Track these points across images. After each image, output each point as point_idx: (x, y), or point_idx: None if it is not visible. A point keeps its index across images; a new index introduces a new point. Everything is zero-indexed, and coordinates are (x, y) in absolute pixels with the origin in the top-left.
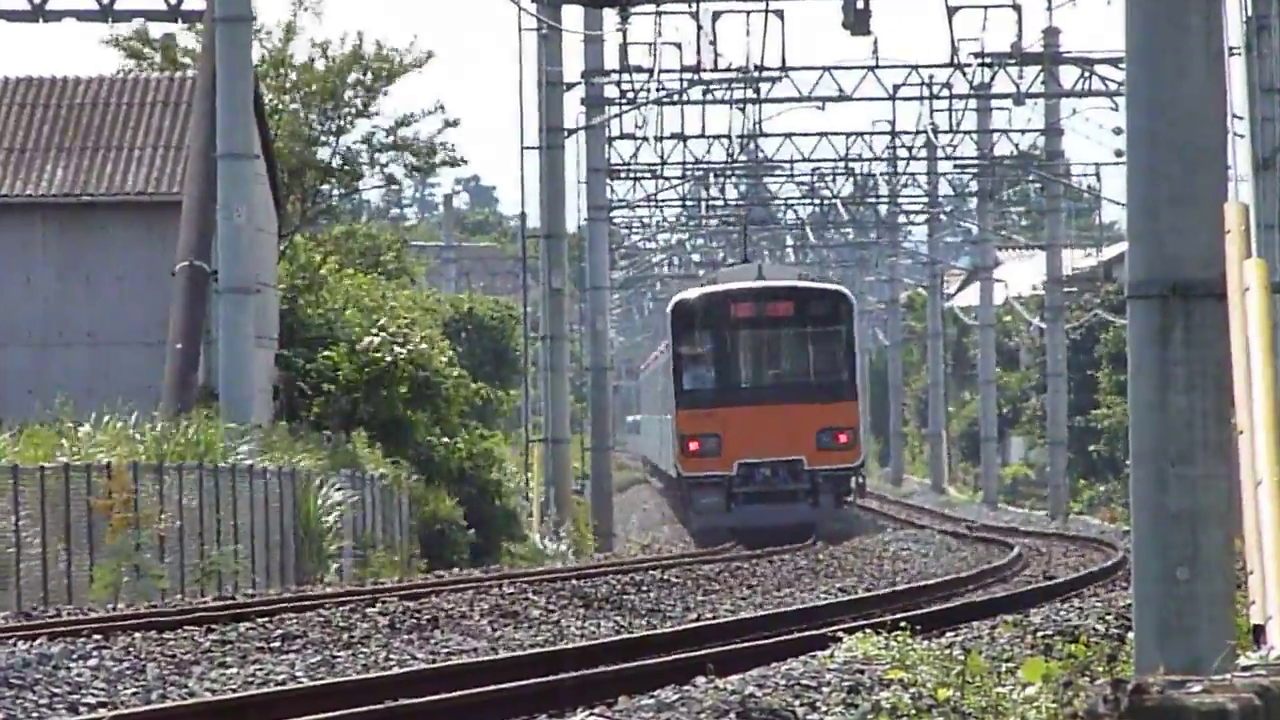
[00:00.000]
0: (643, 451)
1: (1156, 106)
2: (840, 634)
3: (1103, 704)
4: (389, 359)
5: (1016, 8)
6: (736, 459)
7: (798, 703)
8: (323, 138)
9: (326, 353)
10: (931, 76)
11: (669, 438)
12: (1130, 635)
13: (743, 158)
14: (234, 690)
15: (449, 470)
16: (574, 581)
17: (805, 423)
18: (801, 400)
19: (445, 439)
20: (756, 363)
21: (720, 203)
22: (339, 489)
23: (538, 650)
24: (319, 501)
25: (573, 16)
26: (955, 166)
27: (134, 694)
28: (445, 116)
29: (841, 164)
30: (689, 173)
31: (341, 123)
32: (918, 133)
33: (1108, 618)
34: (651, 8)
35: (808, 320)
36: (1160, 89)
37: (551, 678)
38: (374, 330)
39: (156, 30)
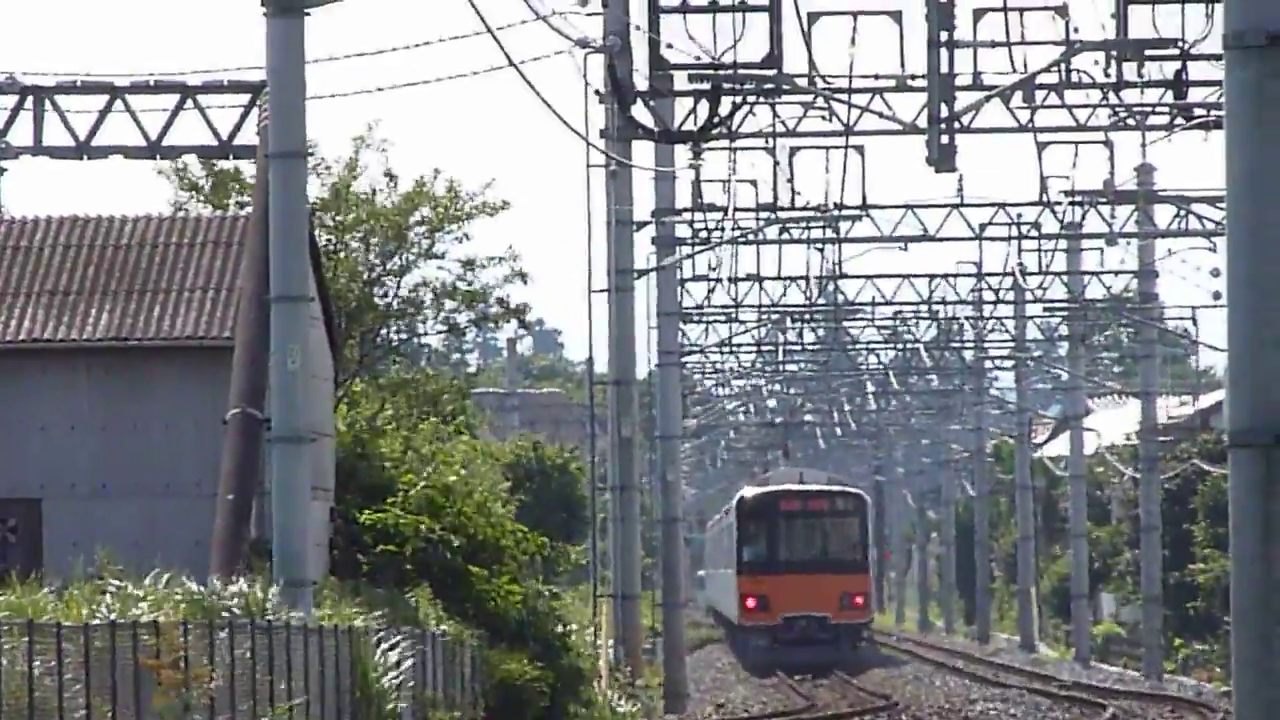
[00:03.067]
0: (709, 600)
1: (1260, 242)
2: None
3: None
4: (445, 512)
5: (1109, 144)
6: (781, 613)
7: None
8: (383, 278)
9: (382, 506)
10: (1020, 215)
11: (731, 591)
12: None
13: (821, 300)
14: None
15: (510, 624)
16: None
17: (830, 589)
18: (828, 572)
19: (514, 591)
20: (795, 544)
21: (798, 347)
22: (396, 648)
23: None
24: (377, 660)
25: (643, 153)
26: (1044, 309)
27: None
28: (514, 265)
29: (925, 307)
30: (765, 316)
31: (404, 262)
32: (1005, 274)
33: None
34: (726, 143)
35: (833, 514)
36: (1264, 223)
37: None
38: (428, 481)
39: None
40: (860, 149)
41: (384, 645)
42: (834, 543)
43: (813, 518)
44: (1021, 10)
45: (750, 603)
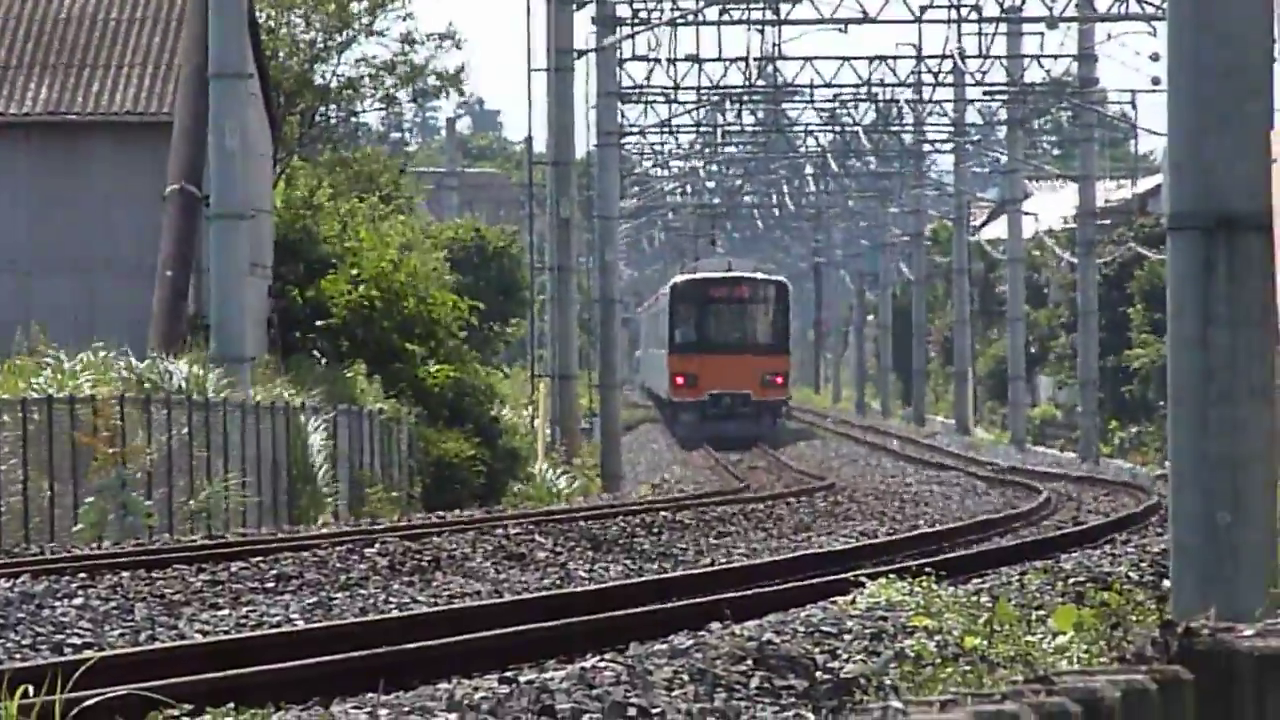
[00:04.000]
0: (643, 379)
1: (1202, 25)
2: (862, 579)
3: (1151, 647)
4: (381, 289)
5: None
6: (708, 390)
7: (817, 650)
8: (324, 53)
9: (322, 281)
10: None
11: (663, 370)
12: (1166, 583)
13: (760, 82)
14: (226, 632)
15: (447, 404)
16: (582, 523)
17: (753, 368)
18: (750, 353)
19: (442, 369)
20: (722, 327)
21: (736, 129)
22: (326, 430)
23: (545, 593)
24: (312, 439)
25: None
26: (984, 93)
27: (121, 635)
28: (452, 37)
29: (864, 89)
30: (704, 97)
31: (344, 39)
32: (944, 57)
33: (1142, 565)
34: None
35: (757, 301)
36: (1206, 6)
37: (559, 622)
38: (367, 257)
39: None
40: None
41: (317, 423)
42: (757, 327)
43: (738, 303)
44: None
45: (680, 380)
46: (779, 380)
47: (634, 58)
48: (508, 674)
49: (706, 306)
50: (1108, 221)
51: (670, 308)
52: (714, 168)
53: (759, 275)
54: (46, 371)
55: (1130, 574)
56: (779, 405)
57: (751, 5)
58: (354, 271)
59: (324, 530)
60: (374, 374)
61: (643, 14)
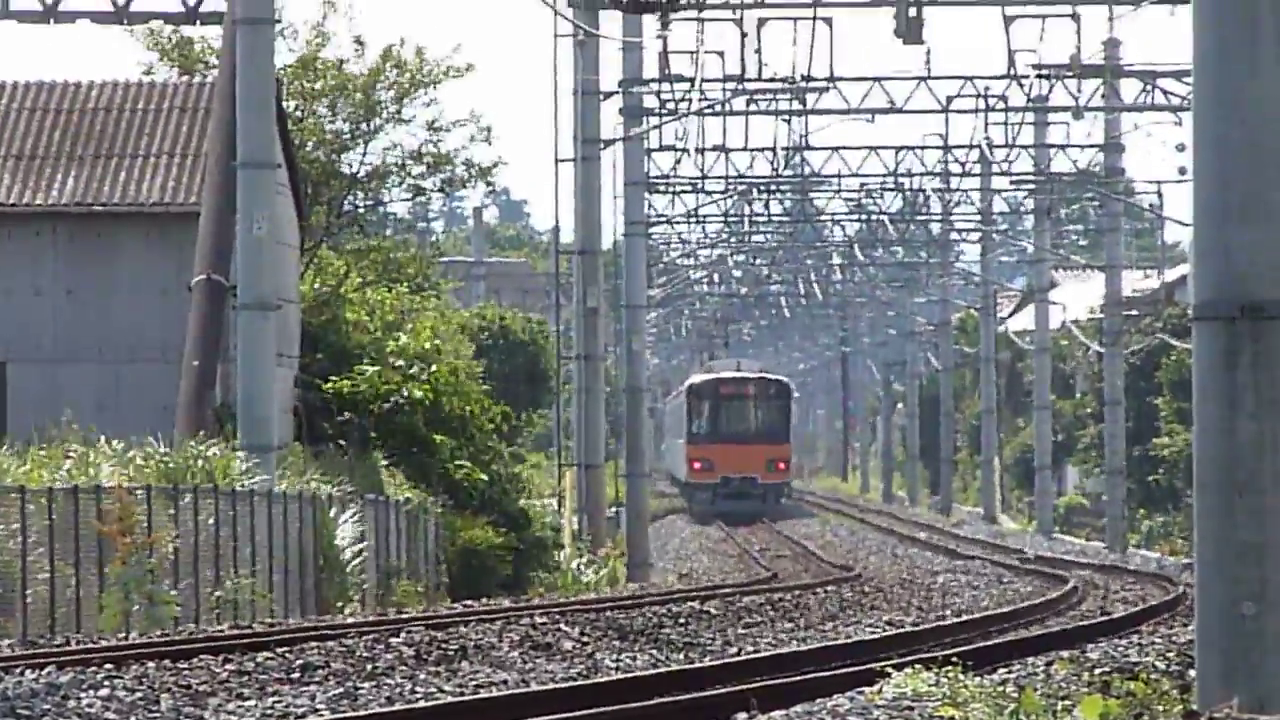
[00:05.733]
0: (666, 465)
1: (1226, 108)
2: (888, 669)
3: None
4: (409, 380)
5: (1075, 17)
6: (721, 474)
7: None
8: (351, 142)
9: (349, 373)
10: (987, 89)
11: (682, 456)
12: (1191, 673)
13: (788, 172)
14: None
15: (474, 495)
16: (609, 612)
17: (758, 455)
18: (757, 442)
19: (470, 463)
20: (732, 420)
21: (764, 218)
22: (355, 521)
23: (571, 684)
24: (339, 529)
25: (611, 23)
26: (1011, 183)
27: None
28: (480, 124)
29: (891, 179)
30: (731, 187)
31: (371, 129)
32: (971, 147)
33: (1169, 655)
34: (694, 13)
35: (762, 398)
36: (1230, 90)
37: (586, 712)
38: (395, 350)
39: (172, 34)
40: (828, 21)
41: (347, 513)
42: (762, 419)
43: (746, 400)
44: None
45: (696, 465)
46: (781, 465)
47: (661, 147)
48: None
49: (718, 403)
50: (1134, 312)
51: (687, 403)
52: (741, 257)
53: (764, 375)
54: (69, 462)
55: (1156, 664)
56: (781, 486)
57: (779, 96)
58: (397, 362)
59: (350, 620)
60: (400, 463)
61: (670, 104)
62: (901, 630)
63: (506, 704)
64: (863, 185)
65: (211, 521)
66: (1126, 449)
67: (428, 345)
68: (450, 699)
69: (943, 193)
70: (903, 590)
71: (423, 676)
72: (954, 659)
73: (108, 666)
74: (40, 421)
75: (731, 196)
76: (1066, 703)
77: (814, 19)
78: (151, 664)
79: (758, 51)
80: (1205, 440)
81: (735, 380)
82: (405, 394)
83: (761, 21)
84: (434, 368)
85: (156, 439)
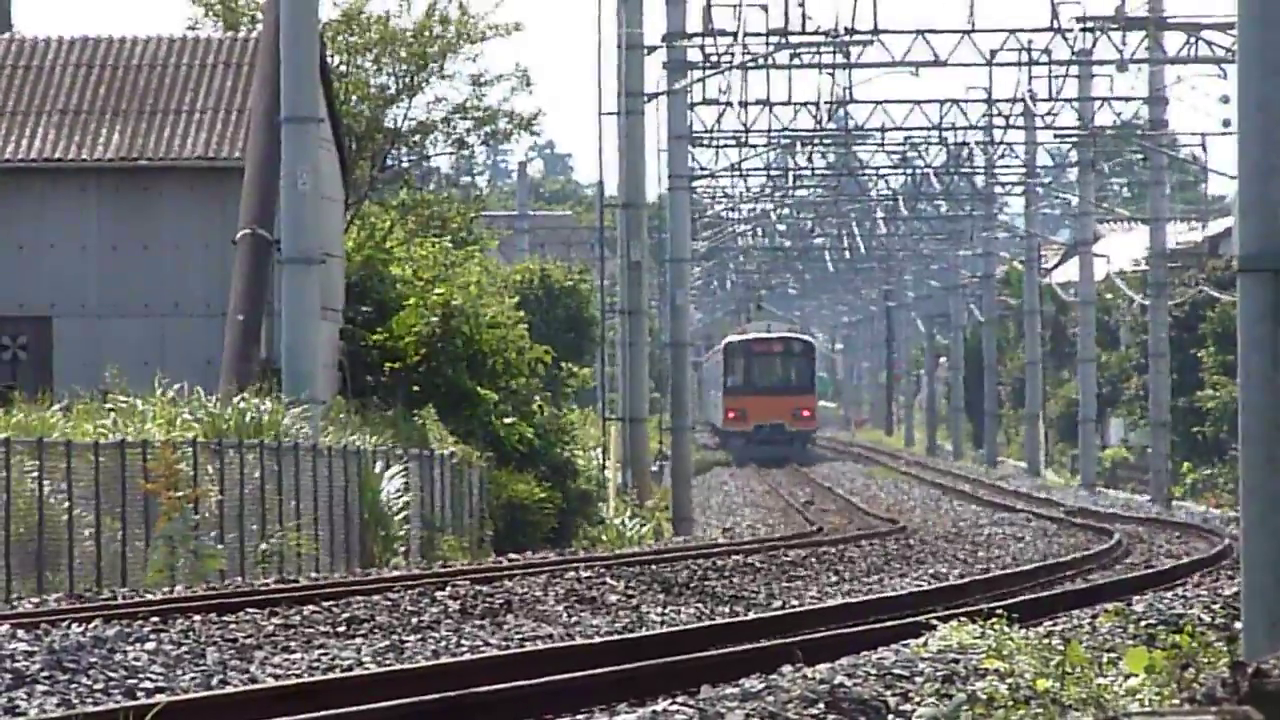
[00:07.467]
0: (705, 415)
1: (1270, 67)
2: (933, 622)
3: (1221, 688)
4: (456, 332)
5: None
6: (754, 422)
7: (889, 693)
8: (395, 96)
9: (390, 324)
10: (1030, 41)
11: (720, 406)
12: (1237, 625)
13: (831, 125)
14: (298, 675)
15: (519, 449)
16: (653, 566)
17: (786, 405)
18: (785, 394)
19: (513, 415)
20: (763, 374)
21: (808, 172)
22: (400, 475)
23: (616, 637)
24: (383, 484)
25: None
26: (1054, 136)
27: (193, 679)
28: (523, 79)
29: (935, 133)
30: (775, 140)
31: (416, 83)
32: (1015, 100)
33: (1214, 607)
34: None
35: (790, 355)
36: (1275, 48)
37: (631, 665)
38: (438, 300)
39: None
40: None
41: (392, 468)
42: (790, 373)
43: (775, 356)
44: None
45: (732, 414)
46: (806, 413)
47: (705, 101)
48: (580, 717)
49: (751, 359)
50: (1179, 264)
51: (724, 360)
52: (785, 211)
53: (790, 334)
54: (112, 415)
55: (1202, 616)
56: (808, 433)
57: (822, 49)
58: (422, 306)
59: (395, 574)
60: (446, 418)
61: (713, 58)
62: (946, 583)
63: (551, 657)
64: (906, 138)
65: (257, 475)
66: (1171, 401)
67: (461, 299)
68: (496, 652)
69: (986, 146)
70: (947, 544)
71: (468, 630)
72: (999, 612)
73: (154, 620)
74: (85, 375)
75: (775, 150)
76: (1112, 655)
77: None
78: (197, 617)
79: (801, 4)
80: (1250, 392)
81: (765, 339)
82: (441, 348)
83: None
84: (467, 324)
85: (202, 393)
